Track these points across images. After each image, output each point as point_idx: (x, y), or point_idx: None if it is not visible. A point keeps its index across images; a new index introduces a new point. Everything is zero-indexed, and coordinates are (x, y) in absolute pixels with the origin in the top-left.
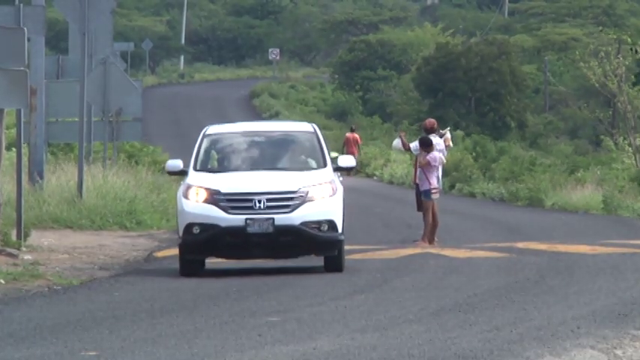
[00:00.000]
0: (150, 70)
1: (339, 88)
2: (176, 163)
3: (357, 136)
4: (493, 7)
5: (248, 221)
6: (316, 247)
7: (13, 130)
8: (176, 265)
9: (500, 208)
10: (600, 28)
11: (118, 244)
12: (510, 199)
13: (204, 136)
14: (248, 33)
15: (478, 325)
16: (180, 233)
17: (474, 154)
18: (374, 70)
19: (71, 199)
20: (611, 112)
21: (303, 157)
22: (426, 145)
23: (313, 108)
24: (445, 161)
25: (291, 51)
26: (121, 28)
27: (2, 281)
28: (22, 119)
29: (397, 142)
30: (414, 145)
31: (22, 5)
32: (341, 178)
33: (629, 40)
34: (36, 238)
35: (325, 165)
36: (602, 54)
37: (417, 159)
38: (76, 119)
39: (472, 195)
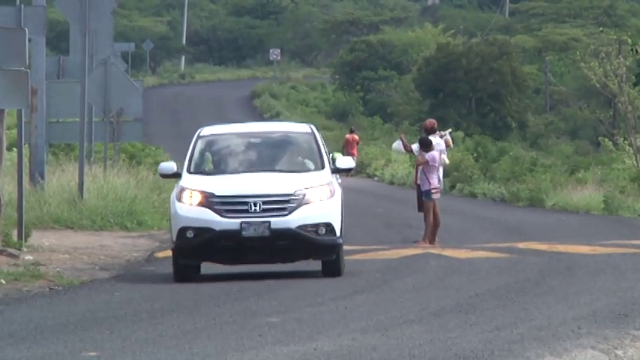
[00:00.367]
0: (151, 71)
1: (339, 89)
2: (169, 166)
3: (356, 137)
4: (494, 8)
5: (243, 225)
6: (314, 251)
7: (14, 131)
8: None
9: (500, 208)
10: (601, 28)
11: (118, 245)
12: (511, 199)
13: (199, 137)
14: (249, 33)
15: (479, 326)
16: (174, 237)
17: (474, 154)
18: (375, 70)
19: (72, 199)
20: (611, 113)
21: (300, 158)
22: (426, 146)
23: (314, 108)
24: (447, 162)
25: (291, 51)
26: (122, 28)
27: (3, 281)
28: (23, 120)
29: (398, 144)
30: (416, 146)
31: (22, 6)
32: (339, 180)
33: (629, 40)
34: (37, 238)
35: (323, 167)
36: (603, 54)
37: (417, 162)
38: (77, 120)
39: (473, 195)
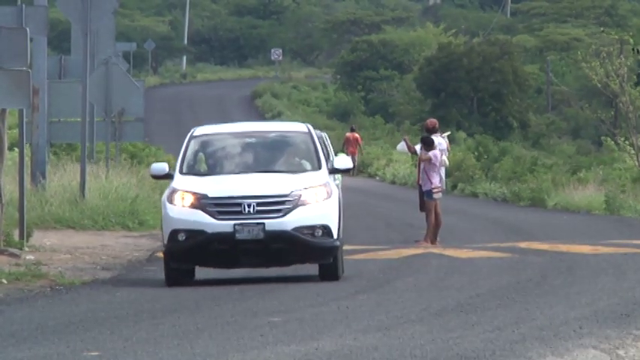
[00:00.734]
0: (152, 71)
1: (341, 89)
2: (161, 167)
3: (357, 135)
4: (495, 7)
5: (237, 227)
6: (310, 254)
7: (16, 131)
8: None
9: (502, 208)
10: (602, 28)
11: (120, 245)
12: (512, 199)
13: (191, 137)
14: (250, 33)
15: (480, 326)
16: (165, 240)
17: (476, 154)
18: (376, 70)
19: (73, 199)
20: (613, 113)
21: (296, 158)
22: (428, 145)
23: (315, 108)
24: (447, 163)
25: (293, 51)
26: (124, 28)
27: (4, 281)
28: (25, 119)
29: (402, 146)
30: (419, 146)
31: (24, 5)
32: (337, 182)
33: (631, 40)
34: (38, 238)
35: (320, 167)
36: (604, 54)
37: (419, 159)
38: (79, 119)
39: (474, 195)
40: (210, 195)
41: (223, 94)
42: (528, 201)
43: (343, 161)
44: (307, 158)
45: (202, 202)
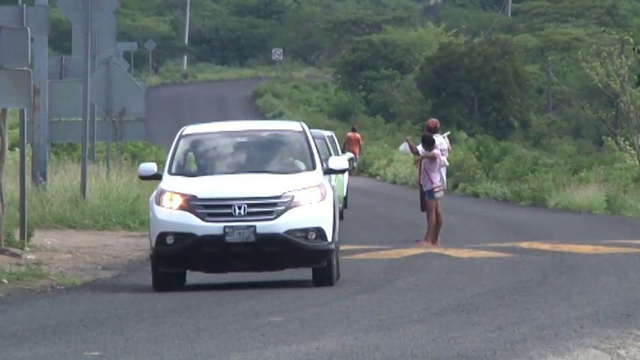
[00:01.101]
0: (153, 70)
1: (342, 88)
2: (149, 167)
3: (358, 135)
4: (496, 7)
5: (227, 229)
6: (303, 258)
7: (17, 130)
8: None
9: (503, 208)
10: (603, 28)
11: (121, 244)
12: (513, 199)
13: (181, 136)
14: (251, 33)
15: (481, 325)
16: (153, 243)
17: (477, 153)
18: (377, 70)
19: (74, 199)
20: (614, 112)
21: (290, 158)
22: (429, 143)
23: (316, 108)
24: (447, 164)
25: (294, 51)
26: (124, 28)
27: (5, 281)
28: (26, 119)
29: (404, 147)
30: (421, 147)
31: (25, 5)
32: (333, 183)
33: (631, 40)
34: (39, 238)
35: (314, 167)
36: (605, 54)
37: (424, 156)
38: (79, 119)
39: (475, 195)
40: (199, 196)
41: (224, 94)
42: (529, 201)
43: (339, 162)
44: (301, 158)
45: (191, 204)
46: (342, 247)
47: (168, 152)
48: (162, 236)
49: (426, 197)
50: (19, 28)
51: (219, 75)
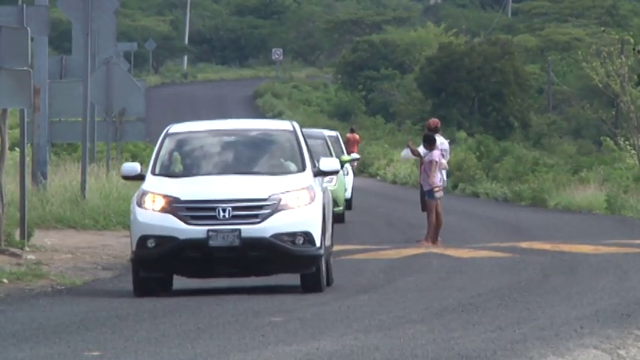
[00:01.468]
0: (153, 70)
1: (342, 88)
2: (133, 167)
3: (357, 136)
4: (496, 7)
5: (210, 233)
6: (290, 263)
7: (17, 130)
8: None
9: (503, 208)
10: (603, 28)
11: (121, 244)
12: (514, 199)
13: (167, 135)
14: (251, 33)
15: (481, 325)
16: (133, 247)
17: (477, 154)
18: (377, 70)
19: (74, 199)
20: (614, 112)
21: (279, 159)
22: (430, 142)
23: (316, 108)
24: (446, 166)
25: (294, 51)
26: (125, 28)
27: (5, 281)
28: (26, 119)
29: (406, 152)
30: (422, 149)
31: (25, 5)
32: (324, 185)
33: (631, 40)
34: (39, 238)
35: (304, 168)
36: (605, 54)
37: (422, 160)
38: (80, 119)
39: (475, 195)
40: (182, 198)
41: (224, 93)
42: (529, 201)
43: (330, 163)
44: (291, 159)
45: (174, 206)
46: (342, 247)
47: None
48: (143, 239)
49: (427, 197)
50: (19, 28)
51: (219, 75)
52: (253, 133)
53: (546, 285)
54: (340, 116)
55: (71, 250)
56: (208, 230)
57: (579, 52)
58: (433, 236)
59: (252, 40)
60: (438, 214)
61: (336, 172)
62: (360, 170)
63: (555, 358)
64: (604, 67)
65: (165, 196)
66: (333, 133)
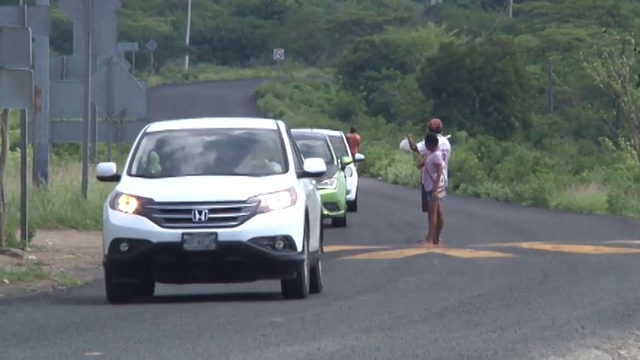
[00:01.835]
0: (154, 71)
1: (343, 88)
2: (108, 167)
3: (357, 136)
4: (497, 7)
5: (185, 236)
6: (270, 269)
7: (18, 131)
8: None
9: (504, 208)
10: (604, 28)
11: None
12: (515, 199)
13: (144, 134)
14: (252, 33)
15: (482, 326)
16: (106, 251)
17: (478, 154)
18: (378, 70)
19: (75, 199)
20: (615, 113)
21: (265, 160)
22: (432, 143)
23: (317, 108)
24: (445, 166)
25: (295, 51)
26: (126, 28)
27: (6, 281)
28: (27, 119)
29: (404, 143)
30: (421, 145)
31: (26, 6)
32: (312, 186)
33: (632, 40)
34: (40, 238)
35: (287, 169)
36: (606, 54)
37: (423, 159)
38: (81, 119)
39: (476, 195)
40: (156, 200)
41: (225, 94)
42: (530, 201)
43: (314, 164)
44: (275, 159)
45: (147, 208)
46: (343, 248)
47: None
48: (115, 243)
49: (428, 197)
50: (20, 28)
51: (220, 75)
52: (235, 133)
53: (547, 285)
54: (341, 116)
55: (72, 250)
56: (183, 233)
57: (580, 53)
58: (434, 236)
59: (253, 40)
60: (439, 215)
61: (320, 174)
62: (362, 170)
63: (556, 358)
64: (605, 67)
65: (138, 198)
66: (337, 133)
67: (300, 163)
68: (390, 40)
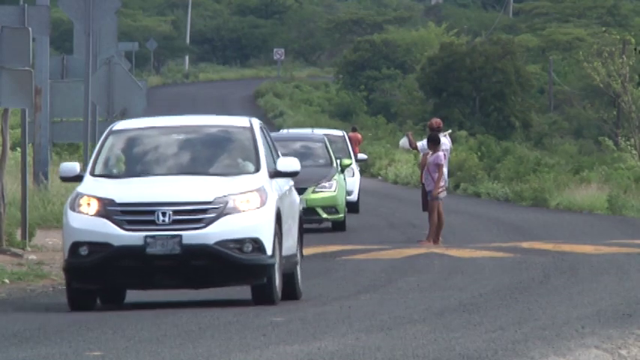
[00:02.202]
0: (154, 70)
1: (343, 88)
2: (71, 166)
3: (359, 135)
4: (497, 7)
5: (148, 239)
6: (238, 274)
7: (18, 130)
8: None
9: (504, 208)
10: (604, 28)
11: None
12: (515, 199)
13: (110, 132)
14: (252, 33)
15: (482, 325)
16: (66, 255)
17: (478, 153)
18: (378, 69)
19: None
20: (615, 112)
21: (233, 159)
22: (435, 143)
23: (318, 108)
24: (443, 165)
25: (295, 51)
26: (126, 28)
27: (7, 281)
28: (27, 119)
29: (404, 141)
30: (421, 144)
31: (26, 5)
32: (291, 185)
33: (632, 40)
34: (40, 238)
35: (258, 169)
36: (606, 54)
37: (423, 159)
38: (81, 119)
39: (477, 195)
40: (117, 201)
41: (226, 93)
42: (531, 201)
43: (288, 163)
44: (246, 158)
45: (108, 210)
46: (343, 247)
47: None
48: (75, 246)
49: (429, 197)
50: (20, 28)
51: (220, 75)
52: (205, 130)
53: (547, 285)
54: (342, 116)
55: None
56: (146, 236)
57: (580, 52)
58: (434, 236)
59: (254, 40)
60: (439, 214)
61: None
62: (362, 170)
63: (556, 358)
64: (605, 67)
65: (99, 199)
66: (340, 132)
67: (274, 163)
68: (390, 40)
